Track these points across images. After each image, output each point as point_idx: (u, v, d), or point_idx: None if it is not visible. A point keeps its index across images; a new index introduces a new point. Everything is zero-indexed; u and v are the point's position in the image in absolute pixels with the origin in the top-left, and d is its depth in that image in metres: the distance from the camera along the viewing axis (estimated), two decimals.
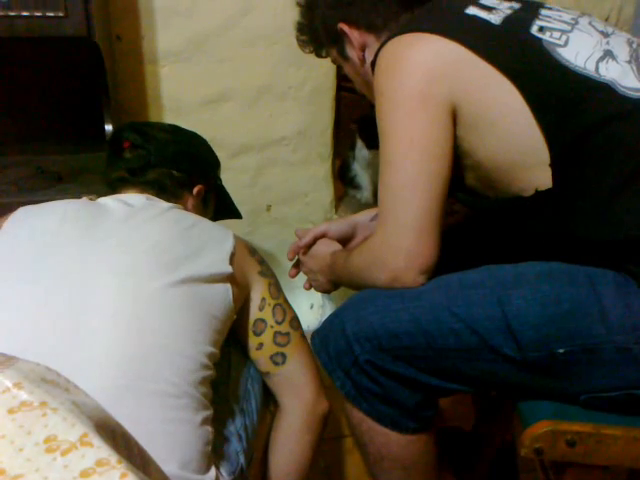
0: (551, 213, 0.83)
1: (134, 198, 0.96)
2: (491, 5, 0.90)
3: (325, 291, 1.14)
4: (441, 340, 0.82)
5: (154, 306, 0.79)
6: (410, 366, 0.85)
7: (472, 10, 0.89)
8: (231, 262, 0.89)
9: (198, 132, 1.18)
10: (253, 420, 0.95)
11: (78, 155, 1.48)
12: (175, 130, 1.14)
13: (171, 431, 0.74)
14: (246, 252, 0.96)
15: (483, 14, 0.88)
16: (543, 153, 0.80)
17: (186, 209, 1.04)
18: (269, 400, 1.01)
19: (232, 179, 1.28)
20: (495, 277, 0.83)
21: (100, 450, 0.45)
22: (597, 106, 0.80)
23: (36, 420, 0.47)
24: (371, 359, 0.85)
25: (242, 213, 1.34)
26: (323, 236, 1.14)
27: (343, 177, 1.82)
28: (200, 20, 1.53)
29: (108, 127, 1.38)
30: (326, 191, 1.83)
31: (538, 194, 0.82)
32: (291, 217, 1.82)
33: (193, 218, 0.95)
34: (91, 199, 0.96)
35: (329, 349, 0.89)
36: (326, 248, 1.11)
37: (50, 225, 0.86)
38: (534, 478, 1.00)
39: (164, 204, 0.96)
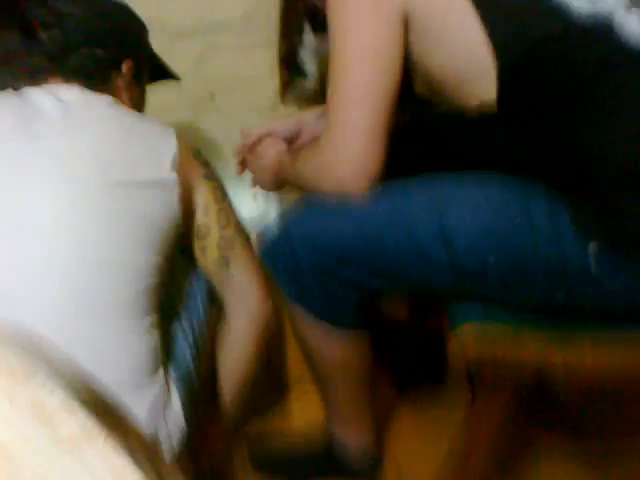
0: (494, 133, 0.84)
1: (66, 92, 0.87)
2: None
3: (271, 190, 1.14)
4: (381, 244, 0.85)
5: (93, 216, 0.76)
6: (349, 267, 0.88)
7: None
8: (174, 166, 0.86)
9: (136, 11, 1.07)
10: (199, 315, 0.97)
11: None
12: (88, 1, 0.97)
13: (116, 340, 0.75)
14: (190, 155, 0.92)
15: None
16: (490, 66, 0.79)
17: (118, 89, 0.98)
18: (215, 297, 1.02)
19: (173, 66, 1.20)
20: (435, 186, 0.86)
21: (83, 418, 0.46)
22: (550, 22, 0.79)
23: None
24: (314, 261, 0.88)
25: (184, 102, 1.29)
26: (269, 135, 1.12)
27: (289, 64, 1.75)
28: None
29: None
30: (272, 79, 1.77)
31: (483, 115, 0.83)
32: (236, 106, 1.75)
33: (133, 117, 0.90)
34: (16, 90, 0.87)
35: (273, 252, 0.92)
36: (272, 148, 1.11)
37: None
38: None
39: (100, 100, 0.89)
